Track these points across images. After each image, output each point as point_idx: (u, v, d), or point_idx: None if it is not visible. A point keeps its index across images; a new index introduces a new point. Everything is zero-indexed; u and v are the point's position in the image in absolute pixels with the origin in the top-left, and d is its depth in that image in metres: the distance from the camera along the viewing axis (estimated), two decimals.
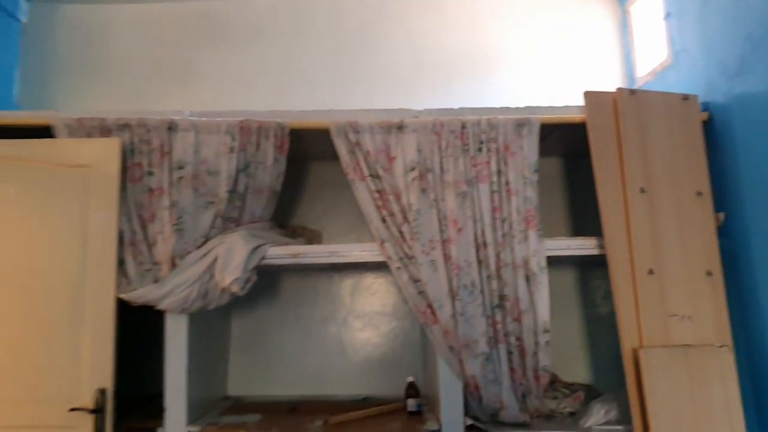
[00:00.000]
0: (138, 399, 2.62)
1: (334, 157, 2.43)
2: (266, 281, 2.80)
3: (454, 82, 3.14)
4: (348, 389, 2.85)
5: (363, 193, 2.37)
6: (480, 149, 2.38)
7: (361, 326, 2.93)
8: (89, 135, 2.38)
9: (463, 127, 2.39)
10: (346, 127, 2.39)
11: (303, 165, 2.96)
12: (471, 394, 2.28)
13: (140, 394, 2.62)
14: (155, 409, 2.50)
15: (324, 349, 2.90)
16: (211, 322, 2.62)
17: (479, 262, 2.31)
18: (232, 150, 2.37)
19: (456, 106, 2.50)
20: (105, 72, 3.10)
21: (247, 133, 2.38)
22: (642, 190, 2.34)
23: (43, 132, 2.40)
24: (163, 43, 3.14)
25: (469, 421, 2.26)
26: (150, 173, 2.35)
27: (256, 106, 2.63)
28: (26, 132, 2.42)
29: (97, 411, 2.22)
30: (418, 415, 2.43)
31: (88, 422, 2.22)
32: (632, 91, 2.47)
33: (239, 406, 2.68)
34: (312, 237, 2.84)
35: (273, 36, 3.18)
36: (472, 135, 2.38)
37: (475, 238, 2.32)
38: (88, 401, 2.23)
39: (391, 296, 2.96)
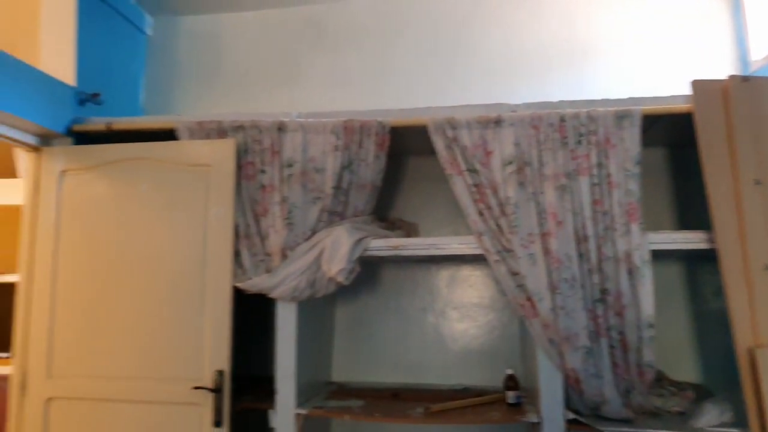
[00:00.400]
0: (248, 379, 2.82)
1: (431, 151, 2.49)
2: (368, 271, 2.92)
3: (551, 75, 3.10)
4: (446, 379, 2.92)
5: (460, 186, 2.42)
6: (579, 142, 2.35)
7: (458, 317, 2.99)
8: (207, 136, 2.60)
9: (562, 120, 2.38)
10: (444, 123, 2.44)
11: (400, 160, 3.05)
12: (572, 387, 2.28)
13: (250, 375, 2.82)
14: (266, 390, 2.69)
15: (423, 339, 2.98)
16: (317, 311, 2.77)
17: (580, 255, 2.29)
18: (336, 148, 2.50)
19: (554, 99, 2.49)
20: (220, 77, 3.36)
21: (351, 132, 2.50)
22: (757, 182, 2.22)
23: (164, 135, 2.65)
24: (272, 49, 3.35)
25: (571, 415, 2.26)
26: (262, 171, 2.54)
27: (358, 105, 2.75)
28: (149, 135, 2.69)
29: (216, 390, 2.43)
30: (517, 406, 2.45)
31: (208, 400, 2.43)
32: (745, 78, 2.34)
33: (343, 391, 2.81)
34: (409, 229, 2.93)
35: (372, 37, 3.30)
36: (571, 128, 2.36)
37: (576, 232, 2.30)
38: (209, 381, 2.45)
39: (489, 288, 2.99)
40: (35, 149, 2.72)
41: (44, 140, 2.73)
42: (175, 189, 2.58)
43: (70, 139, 2.75)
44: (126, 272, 2.57)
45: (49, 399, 2.56)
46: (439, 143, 2.45)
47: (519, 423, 2.32)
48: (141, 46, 3.38)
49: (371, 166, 2.54)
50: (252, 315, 2.75)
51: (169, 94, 3.37)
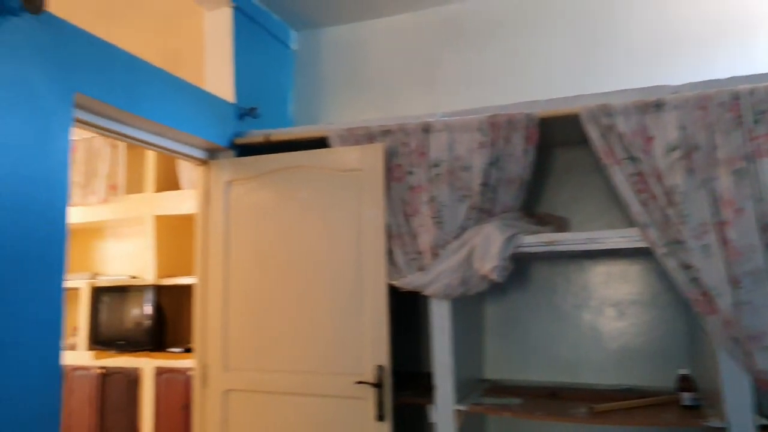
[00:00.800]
0: (401, 375, 2.88)
1: (580, 141, 2.40)
2: (516, 269, 2.86)
3: (715, 51, 2.84)
4: (605, 378, 2.79)
5: (619, 177, 2.30)
6: (758, 121, 2.14)
7: (616, 315, 2.84)
8: (357, 142, 2.71)
9: (735, 98, 2.17)
10: (598, 111, 2.33)
11: (547, 152, 2.95)
12: (763, 390, 2.07)
13: (401, 371, 2.88)
14: (422, 386, 2.75)
15: (578, 337, 2.87)
16: (468, 309, 2.78)
17: (766, 245, 2.08)
18: (483, 145, 2.48)
19: (721, 77, 2.29)
20: (363, 84, 3.48)
21: (497, 127, 2.48)
22: None
23: (314, 143, 2.79)
24: (412, 51, 3.40)
25: (764, 421, 2.05)
26: (410, 172, 2.59)
27: (502, 100, 2.70)
28: (300, 144, 2.84)
29: (378, 385, 2.52)
30: (695, 409, 2.28)
31: (371, 395, 2.53)
32: None
33: (497, 388, 2.79)
34: (560, 224, 2.83)
35: (511, 30, 3.24)
36: (748, 106, 2.15)
37: (759, 220, 2.09)
38: (370, 376, 2.55)
39: (649, 284, 2.81)
40: (203, 163, 2.99)
41: (211, 154, 3.00)
42: (330, 193, 2.72)
43: (232, 152, 2.99)
44: (289, 273, 2.74)
45: (227, 390, 2.80)
46: (593, 132, 2.34)
47: (698, 427, 2.16)
48: (288, 60, 3.60)
49: (519, 160, 2.49)
50: (400, 312, 2.81)
51: (316, 103, 3.55)
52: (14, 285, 1.88)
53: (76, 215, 4.91)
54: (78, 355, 4.83)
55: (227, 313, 2.84)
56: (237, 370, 2.80)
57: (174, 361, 4.46)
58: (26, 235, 1.93)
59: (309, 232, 2.73)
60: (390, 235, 2.60)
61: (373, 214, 2.61)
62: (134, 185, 4.95)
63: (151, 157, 4.87)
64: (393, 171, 2.62)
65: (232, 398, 2.80)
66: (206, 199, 2.97)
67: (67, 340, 4.67)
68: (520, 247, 2.42)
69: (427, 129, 2.57)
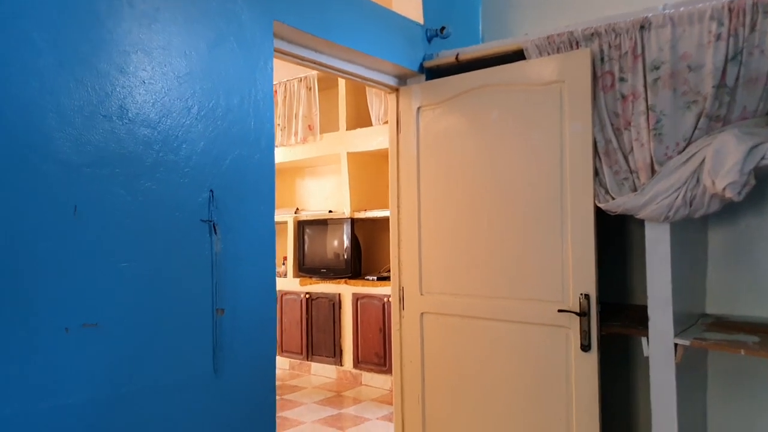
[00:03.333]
0: (604, 305, 2.64)
1: None
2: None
3: None
4: None
5: None
6: None
7: None
8: (558, 51, 2.45)
9: None
10: None
11: None
12: None
13: (604, 301, 2.64)
14: (630, 317, 2.51)
15: None
16: (688, 234, 2.43)
17: None
18: (718, 38, 2.07)
19: None
20: None
21: (739, 13, 2.03)
22: None
23: (508, 60, 2.58)
24: None
25: None
26: (622, 79, 2.27)
27: None
28: (493, 62, 2.66)
29: (582, 314, 2.36)
30: None
31: (575, 323, 2.38)
32: None
33: (723, 324, 2.43)
34: None
35: None
36: None
37: None
38: (573, 304, 2.39)
39: None
40: (394, 90, 2.96)
41: (401, 80, 2.96)
42: (527, 110, 2.53)
43: (422, 76, 2.91)
44: (482, 197, 2.64)
45: (423, 313, 2.85)
46: None
47: None
48: None
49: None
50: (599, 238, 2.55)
51: (507, 16, 3.29)
52: (236, 208, 2.05)
53: (279, 155, 5.36)
54: (287, 281, 5.37)
55: (420, 241, 2.85)
56: (431, 294, 2.82)
57: (370, 287, 4.73)
58: (241, 161, 2.08)
59: (503, 153, 2.58)
60: (596, 153, 2.34)
61: (578, 130, 2.37)
62: (328, 124, 5.22)
63: (342, 96, 5.07)
64: (601, 79, 2.33)
65: (427, 320, 2.84)
66: (396, 127, 2.96)
67: (278, 269, 5.18)
68: (765, 159, 2.01)
69: (644, 26, 2.21)
